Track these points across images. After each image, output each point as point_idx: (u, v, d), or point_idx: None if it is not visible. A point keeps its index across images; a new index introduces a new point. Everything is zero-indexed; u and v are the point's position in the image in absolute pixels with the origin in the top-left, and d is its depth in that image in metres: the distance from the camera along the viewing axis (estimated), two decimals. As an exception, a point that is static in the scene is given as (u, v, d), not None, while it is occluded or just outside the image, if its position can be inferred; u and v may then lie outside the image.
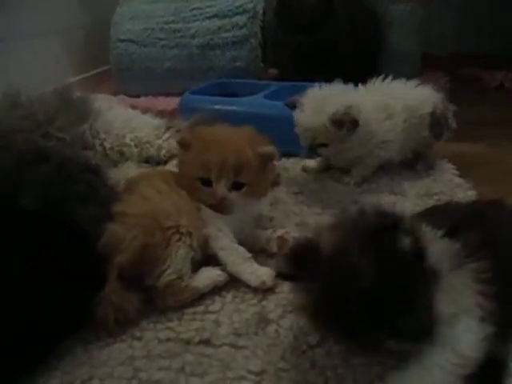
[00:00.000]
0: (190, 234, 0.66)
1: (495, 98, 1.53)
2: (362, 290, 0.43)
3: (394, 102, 0.94)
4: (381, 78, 1.00)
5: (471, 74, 1.71)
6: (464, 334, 0.44)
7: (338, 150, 0.93)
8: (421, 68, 1.67)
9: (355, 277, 0.43)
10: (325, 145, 0.91)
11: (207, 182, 0.69)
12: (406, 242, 0.43)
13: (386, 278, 0.42)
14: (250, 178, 0.70)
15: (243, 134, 0.74)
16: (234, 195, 0.70)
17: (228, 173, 0.68)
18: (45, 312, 0.57)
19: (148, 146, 0.96)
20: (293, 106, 0.94)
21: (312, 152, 0.94)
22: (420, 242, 0.44)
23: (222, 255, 0.69)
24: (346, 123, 0.87)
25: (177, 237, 0.65)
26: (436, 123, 0.95)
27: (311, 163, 1.05)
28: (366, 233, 0.45)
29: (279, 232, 0.75)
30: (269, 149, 0.72)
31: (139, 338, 0.61)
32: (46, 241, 0.60)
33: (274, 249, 0.73)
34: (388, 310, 0.43)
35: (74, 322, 0.61)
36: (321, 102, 0.90)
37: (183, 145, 0.72)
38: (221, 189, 0.69)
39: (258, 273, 0.67)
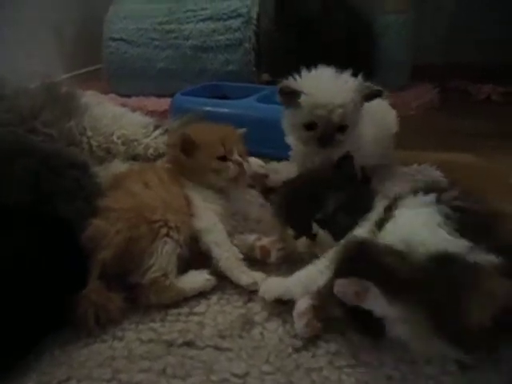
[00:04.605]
0: (178, 228, 0.65)
1: (483, 109, 1.56)
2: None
3: None
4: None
5: (459, 85, 1.74)
6: None
7: (352, 136, 0.84)
8: (410, 77, 1.69)
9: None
10: (343, 129, 0.82)
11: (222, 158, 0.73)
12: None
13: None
14: None
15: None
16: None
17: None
18: (22, 310, 0.55)
19: (135, 144, 0.95)
20: (289, 92, 0.83)
21: (327, 139, 0.82)
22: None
23: (215, 250, 0.68)
24: (373, 96, 0.82)
25: (165, 231, 0.64)
26: None
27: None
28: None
29: (264, 241, 0.73)
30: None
31: (120, 339, 0.59)
32: (26, 236, 0.59)
33: (258, 256, 0.72)
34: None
35: (52, 320, 0.59)
36: (336, 79, 0.82)
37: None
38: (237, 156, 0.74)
39: (250, 273, 0.67)
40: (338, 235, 0.62)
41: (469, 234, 0.50)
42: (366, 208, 0.64)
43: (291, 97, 0.83)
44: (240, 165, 0.73)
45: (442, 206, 0.54)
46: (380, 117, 0.98)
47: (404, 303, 0.49)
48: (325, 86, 0.82)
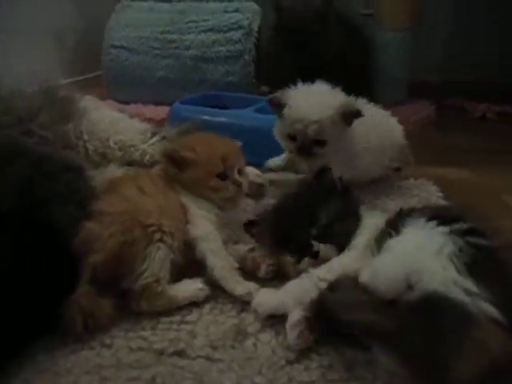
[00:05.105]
0: (172, 234, 0.64)
1: (479, 127, 1.57)
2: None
3: None
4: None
5: (455, 103, 1.76)
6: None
7: (332, 151, 0.86)
8: (407, 93, 1.71)
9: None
10: (321, 143, 0.86)
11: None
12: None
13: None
14: None
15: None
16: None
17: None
18: (10, 315, 0.53)
19: (132, 149, 0.94)
20: (277, 103, 0.87)
21: (305, 151, 0.86)
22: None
23: (211, 258, 0.67)
24: (351, 116, 0.84)
25: (158, 236, 0.63)
26: None
27: (276, 161, 1.00)
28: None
29: (256, 253, 0.72)
30: None
31: (109, 346, 0.58)
32: (15, 241, 0.57)
33: (249, 267, 0.71)
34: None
35: (40, 326, 0.58)
36: (320, 95, 0.86)
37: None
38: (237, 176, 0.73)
39: (245, 284, 0.66)
40: (339, 245, 0.63)
41: (478, 272, 0.47)
42: (357, 213, 0.66)
43: (279, 108, 0.87)
44: (239, 185, 0.72)
45: (455, 237, 0.51)
46: (388, 128, 0.99)
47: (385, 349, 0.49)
48: (306, 101, 0.85)
